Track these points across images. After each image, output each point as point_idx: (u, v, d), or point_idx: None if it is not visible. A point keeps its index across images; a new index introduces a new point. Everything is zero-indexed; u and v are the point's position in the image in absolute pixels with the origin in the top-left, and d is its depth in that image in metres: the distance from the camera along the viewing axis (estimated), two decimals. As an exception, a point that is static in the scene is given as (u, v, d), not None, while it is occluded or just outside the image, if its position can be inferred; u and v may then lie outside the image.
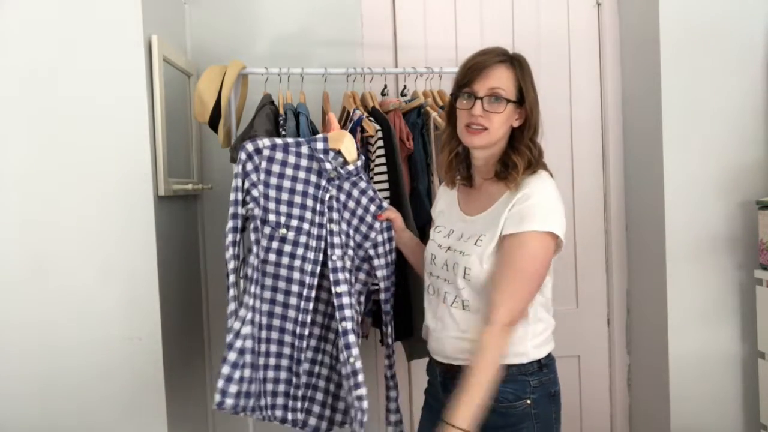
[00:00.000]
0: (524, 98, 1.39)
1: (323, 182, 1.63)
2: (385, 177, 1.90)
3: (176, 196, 1.99)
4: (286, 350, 1.62)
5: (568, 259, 2.43)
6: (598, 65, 2.43)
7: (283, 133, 1.86)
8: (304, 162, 1.63)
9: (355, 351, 1.55)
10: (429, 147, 2.05)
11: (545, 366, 1.43)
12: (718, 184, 2.13)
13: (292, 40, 2.30)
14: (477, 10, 2.38)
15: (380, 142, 1.91)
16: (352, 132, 1.92)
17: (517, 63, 1.40)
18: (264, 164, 1.61)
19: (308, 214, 1.63)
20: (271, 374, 1.63)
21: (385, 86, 2.19)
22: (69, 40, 1.72)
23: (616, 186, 2.42)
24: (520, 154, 1.39)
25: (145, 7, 1.77)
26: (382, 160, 1.91)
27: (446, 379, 1.46)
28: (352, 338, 1.55)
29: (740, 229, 2.13)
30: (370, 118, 1.95)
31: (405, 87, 2.20)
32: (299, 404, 1.63)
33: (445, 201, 1.57)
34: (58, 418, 1.74)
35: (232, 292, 1.60)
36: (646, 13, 2.18)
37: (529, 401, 1.38)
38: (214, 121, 1.94)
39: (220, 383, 1.56)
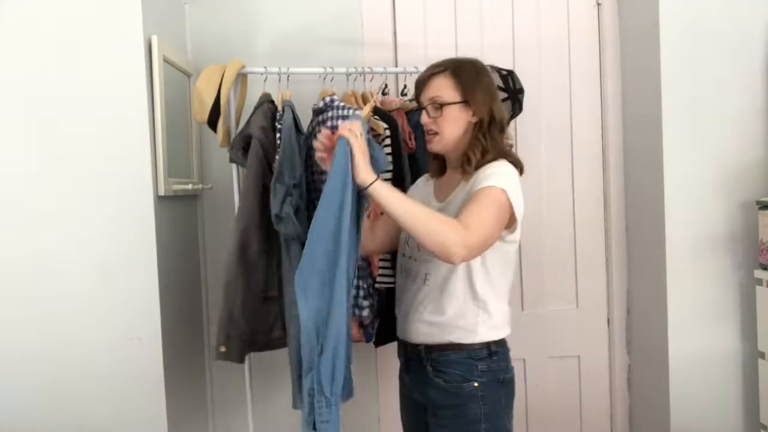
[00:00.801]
0: (468, 99, 1.50)
1: None
2: (389, 175, 1.90)
3: (176, 196, 1.98)
4: None
5: (568, 259, 2.43)
6: (598, 65, 2.43)
7: (279, 126, 1.87)
8: None
9: None
10: (430, 147, 2.05)
11: (495, 353, 1.51)
12: (718, 184, 2.13)
13: (292, 39, 2.30)
14: (477, 10, 2.38)
15: (387, 140, 1.92)
16: None
17: (454, 71, 1.53)
18: None
19: None
20: None
21: (386, 86, 2.19)
22: (69, 40, 1.72)
23: (616, 186, 2.42)
24: (473, 147, 1.50)
25: (145, 7, 1.77)
26: (389, 158, 1.91)
27: (408, 360, 1.58)
28: None
29: (740, 229, 2.13)
30: (376, 117, 1.95)
31: (405, 87, 2.20)
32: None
33: (420, 192, 1.66)
34: (57, 418, 1.73)
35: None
36: (646, 12, 2.18)
37: (476, 384, 1.48)
38: (213, 121, 1.94)
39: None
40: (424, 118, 1.55)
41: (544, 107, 2.40)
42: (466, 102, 1.51)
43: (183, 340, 2.05)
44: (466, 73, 1.53)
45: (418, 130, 2.03)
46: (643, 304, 2.34)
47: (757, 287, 2.06)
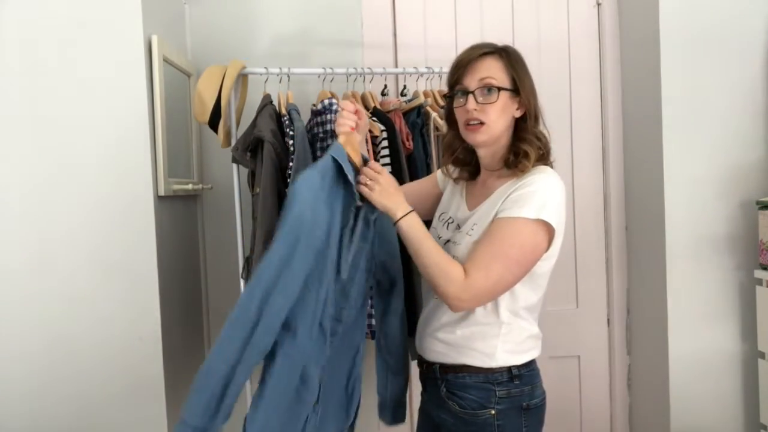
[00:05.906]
0: (519, 87, 1.33)
1: None
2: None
3: (176, 196, 1.99)
4: None
5: (568, 259, 2.43)
6: (598, 65, 2.43)
7: (291, 133, 1.86)
8: None
9: None
10: (429, 147, 2.05)
11: (518, 377, 1.34)
12: (718, 184, 2.13)
13: (292, 40, 2.30)
14: (477, 10, 2.38)
15: (385, 143, 1.92)
16: None
17: (505, 53, 1.34)
18: None
19: None
20: None
21: (385, 86, 2.19)
22: (69, 40, 1.72)
23: (616, 186, 2.42)
24: (529, 143, 1.33)
25: (145, 7, 1.77)
26: (387, 160, 1.91)
27: (425, 378, 1.46)
28: None
29: (740, 229, 2.13)
30: (374, 119, 1.95)
31: (405, 87, 2.20)
32: None
33: (450, 195, 1.52)
34: (57, 418, 1.74)
35: None
36: (646, 12, 2.18)
37: (493, 411, 1.32)
38: (214, 122, 1.94)
39: None
40: (471, 104, 1.31)
41: (543, 106, 2.39)
42: (515, 91, 1.32)
43: (183, 340, 2.05)
44: (516, 58, 1.34)
45: (416, 131, 2.03)
46: (643, 304, 2.34)
47: (757, 287, 2.06)
